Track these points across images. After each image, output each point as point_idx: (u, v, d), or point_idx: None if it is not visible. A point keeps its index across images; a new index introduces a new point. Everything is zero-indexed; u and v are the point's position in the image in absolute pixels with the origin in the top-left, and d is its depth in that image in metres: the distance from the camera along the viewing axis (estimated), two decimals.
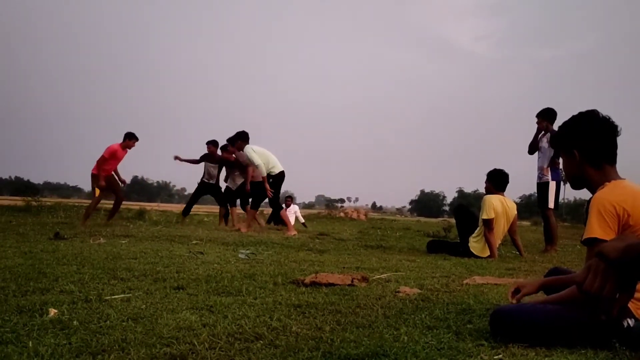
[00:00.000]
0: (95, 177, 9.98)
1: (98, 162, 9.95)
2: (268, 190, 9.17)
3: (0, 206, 16.73)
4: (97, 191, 10.07)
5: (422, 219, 52.89)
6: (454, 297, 3.25)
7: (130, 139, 10.26)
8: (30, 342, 2.01)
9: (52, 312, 2.48)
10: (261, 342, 2.15)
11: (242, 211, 11.82)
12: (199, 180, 11.59)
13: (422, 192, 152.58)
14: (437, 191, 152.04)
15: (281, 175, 9.34)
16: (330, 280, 3.57)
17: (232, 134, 10.16)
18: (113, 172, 10.28)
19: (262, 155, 9.19)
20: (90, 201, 10.66)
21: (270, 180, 9.22)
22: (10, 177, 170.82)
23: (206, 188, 11.51)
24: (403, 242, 8.78)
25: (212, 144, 11.40)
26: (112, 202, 10.90)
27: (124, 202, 11.22)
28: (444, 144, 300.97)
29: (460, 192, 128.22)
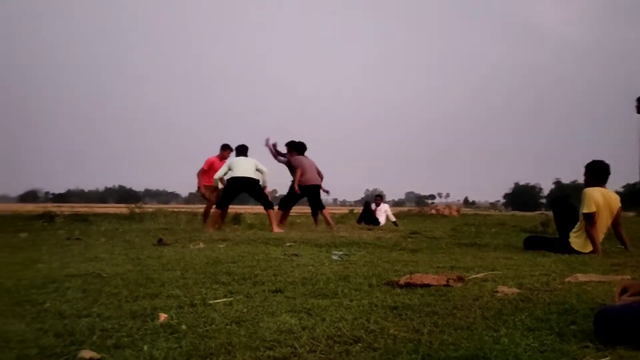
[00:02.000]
0: (200, 189, 11.20)
1: (198, 174, 11.11)
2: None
3: (108, 214, 17.87)
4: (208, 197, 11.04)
5: (518, 213, 51.26)
6: (555, 296, 3.14)
7: (224, 149, 11.33)
8: (145, 346, 2.15)
9: (162, 316, 2.63)
10: (360, 344, 2.19)
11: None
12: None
13: (517, 184, 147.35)
14: (532, 183, 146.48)
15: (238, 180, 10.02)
16: (425, 281, 3.55)
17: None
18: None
19: (230, 164, 10.23)
20: (204, 207, 11.69)
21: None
22: (114, 185, 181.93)
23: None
24: (499, 239, 8.54)
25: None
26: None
27: None
28: (538, 133, 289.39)
29: (558, 183, 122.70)
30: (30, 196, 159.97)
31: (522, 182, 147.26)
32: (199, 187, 11.21)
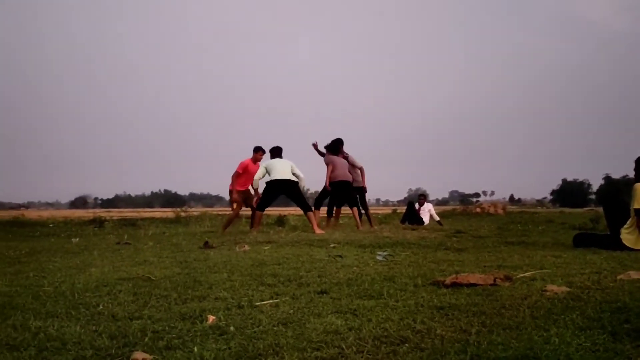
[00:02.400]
0: (231, 192, 10.99)
1: (233, 177, 10.89)
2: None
3: (154, 218, 18.29)
4: (235, 205, 10.98)
5: (566, 209, 50.03)
6: (607, 294, 3.06)
7: (257, 152, 11.11)
8: (195, 348, 2.21)
9: (211, 318, 2.69)
10: (407, 345, 2.19)
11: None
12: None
13: (564, 180, 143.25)
14: (580, 179, 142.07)
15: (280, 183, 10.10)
16: (472, 281, 3.51)
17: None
18: (249, 187, 11.13)
19: (267, 166, 10.31)
20: (230, 211, 11.73)
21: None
22: (160, 190, 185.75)
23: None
24: (547, 237, 8.38)
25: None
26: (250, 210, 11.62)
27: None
28: (586, 127, 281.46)
29: (607, 178, 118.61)
30: (80, 202, 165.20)
31: (569, 178, 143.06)
32: (230, 191, 11.11)
